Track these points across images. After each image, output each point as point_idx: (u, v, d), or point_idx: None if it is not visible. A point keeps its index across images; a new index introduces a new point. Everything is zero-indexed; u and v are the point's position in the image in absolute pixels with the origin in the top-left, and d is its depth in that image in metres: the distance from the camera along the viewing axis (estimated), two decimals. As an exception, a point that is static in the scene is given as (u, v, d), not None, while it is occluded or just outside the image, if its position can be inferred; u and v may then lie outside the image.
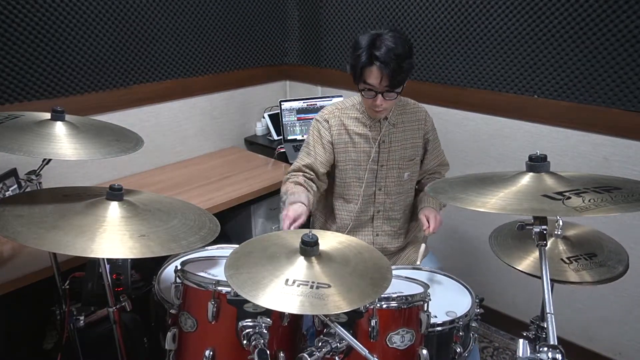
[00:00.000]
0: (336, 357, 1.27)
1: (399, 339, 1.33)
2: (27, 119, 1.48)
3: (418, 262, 1.75)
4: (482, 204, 1.13)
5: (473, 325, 1.51)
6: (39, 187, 1.54)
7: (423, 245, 1.78)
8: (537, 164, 1.20)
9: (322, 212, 2.04)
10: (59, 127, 1.45)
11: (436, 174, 2.02)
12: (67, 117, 1.50)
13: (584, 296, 2.21)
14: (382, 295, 1.25)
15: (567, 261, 1.39)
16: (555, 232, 1.45)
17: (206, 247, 1.67)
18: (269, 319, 1.29)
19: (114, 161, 2.35)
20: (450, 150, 2.07)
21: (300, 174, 1.85)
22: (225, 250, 1.67)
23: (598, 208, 1.05)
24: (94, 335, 1.60)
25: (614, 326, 2.17)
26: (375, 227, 1.94)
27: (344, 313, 1.26)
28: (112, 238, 1.21)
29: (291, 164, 2.56)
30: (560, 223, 1.45)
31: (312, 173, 1.86)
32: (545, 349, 0.96)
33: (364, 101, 1.80)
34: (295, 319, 1.40)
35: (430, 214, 1.83)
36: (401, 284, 1.53)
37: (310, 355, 1.20)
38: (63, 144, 1.39)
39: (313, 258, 1.19)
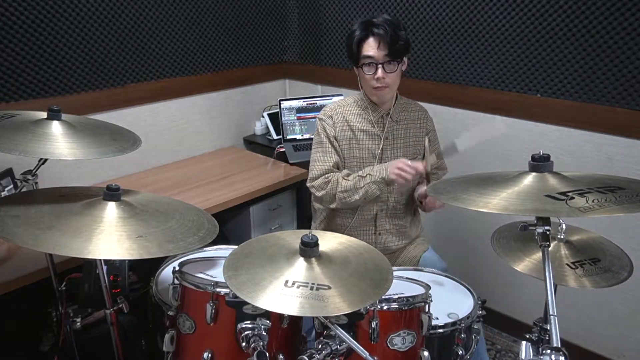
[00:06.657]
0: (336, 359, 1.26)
1: (399, 341, 1.32)
2: (23, 118, 1.46)
3: (427, 167, 1.66)
4: (484, 204, 1.12)
5: (475, 327, 1.50)
6: (35, 187, 1.52)
7: (433, 155, 1.72)
8: (540, 163, 1.19)
9: (324, 210, 2.02)
10: (56, 127, 1.44)
11: (434, 175, 1.99)
12: (64, 116, 1.49)
13: (587, 298, 2.19)
14: (383, 297, 1.24)
15: (573, 266, 1.37)
16: (558, 236, 1.44)
17: (205, 248, 1.66)
18: (268, 321, 1.28)
19: (111, 161, 2.34)
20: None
21: (334, 173, 1.83)
22: (224, 251, 1.67)
23: (602, 208, 1.03)
24: (91, 338, 1.60)
25: (618, 328, 2.16)
26: (378, 226, 1.92)
27: (344, 315, 1.25)
28: (109, 239, 1.20)
29: (291, 163, 2.57)
30: (564, 227, 1.43)
31: (339, 170, 1.85)
32: (549, 351, 0.95)
33: (364, 81, 1.78)
34: (295, 320, 1.39)
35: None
36: (402, 285, 1.52)
37: (310, 357, 1.20)
38: (59, 144, 1.39)
39: (313, 259, 1.18)
